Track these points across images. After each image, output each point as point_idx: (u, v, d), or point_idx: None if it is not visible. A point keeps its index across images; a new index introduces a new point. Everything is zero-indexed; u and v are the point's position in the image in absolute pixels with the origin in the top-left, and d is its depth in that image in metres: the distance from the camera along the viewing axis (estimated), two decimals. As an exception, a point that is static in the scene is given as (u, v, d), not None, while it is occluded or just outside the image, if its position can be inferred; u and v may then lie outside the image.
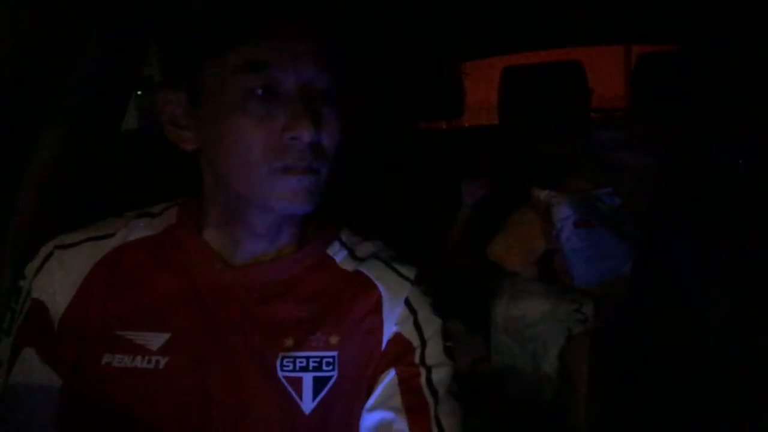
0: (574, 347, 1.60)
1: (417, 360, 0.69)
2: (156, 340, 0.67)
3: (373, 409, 0.68)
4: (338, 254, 0.74)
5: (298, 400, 0.66)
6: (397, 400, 0.67)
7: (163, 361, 0.66)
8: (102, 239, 0.72)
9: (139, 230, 0.73)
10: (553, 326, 1.61)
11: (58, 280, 0.69)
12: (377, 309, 0.70)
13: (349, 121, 0.69)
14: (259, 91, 0.63)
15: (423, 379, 0.68)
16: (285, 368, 0.67)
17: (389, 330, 0.70)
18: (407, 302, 0.71)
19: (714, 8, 1.77)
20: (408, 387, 0.68)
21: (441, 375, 0.69)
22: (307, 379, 0.66)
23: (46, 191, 0.88)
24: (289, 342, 0.67)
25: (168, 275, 0.70)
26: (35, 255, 0.72)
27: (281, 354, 0.67)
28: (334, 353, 0.68)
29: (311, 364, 0.67)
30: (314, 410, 0.66)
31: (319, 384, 0.67)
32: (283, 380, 0.66)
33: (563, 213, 1.62)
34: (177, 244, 0.72)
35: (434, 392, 0.68)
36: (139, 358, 0.66)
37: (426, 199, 2.02)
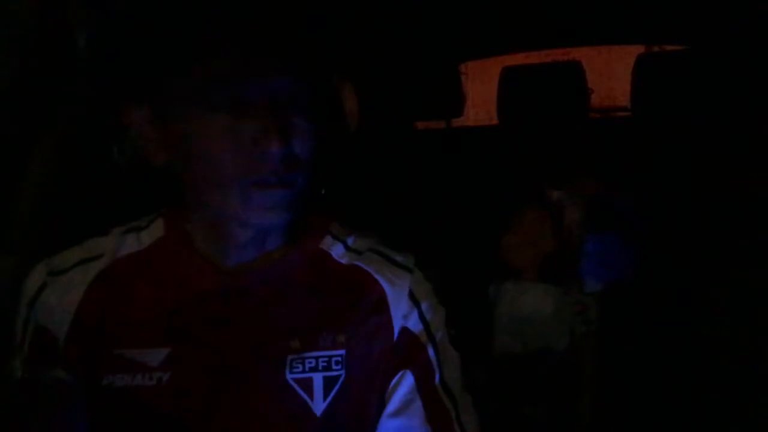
0: (577, 348, 1.60)
1: (429, 358, 0.69)
2: (156, 356, 0.66)
3: (394, 415, 0.67)
4: (332, 248, 0.73)
5: (309, 401, 0.65)
6: (418, 407, 0.67)
7: (165, 376, 0.65)
8: (92, 261, 0.71)
9: (127, 246, 0.72)
10: (556, 327, 1.61)
11: (55, 309, 0.68)
12: (384, 307, 0.69)
13: (325, 127, 0.68)
14: (226, 105, 0.61)
15: (438, 380, 0.68)
16: (294, 370, 0.65)
17: (398, 326, 0.69)
18: (410, 294, 0.70)
19: (715, 8, 1.77)
20: (426, 392, 0.68)
21: (452, 371, 0.70)
22: (318, 379, 0.65)
23: (44, 195, 0.88)
24: (297, 343, 0.66)
25: (161, 288, 0.69)
26: (34, 254, 0.71)
27: (290, 356, 0.66)
28: (342, 352, 0.67)
29: (320, 364, 0.66)
30: (325, 411, 0.65)
31: (329, 384, 0.66)
32: (293, 382, 0.65)
33: (575, 215, 1.61)
34: (167, 256, 0.70)
35: (451, 395, 0.68)
36: (139, 375, 0.65)
37: (426, 199, 2.02)
